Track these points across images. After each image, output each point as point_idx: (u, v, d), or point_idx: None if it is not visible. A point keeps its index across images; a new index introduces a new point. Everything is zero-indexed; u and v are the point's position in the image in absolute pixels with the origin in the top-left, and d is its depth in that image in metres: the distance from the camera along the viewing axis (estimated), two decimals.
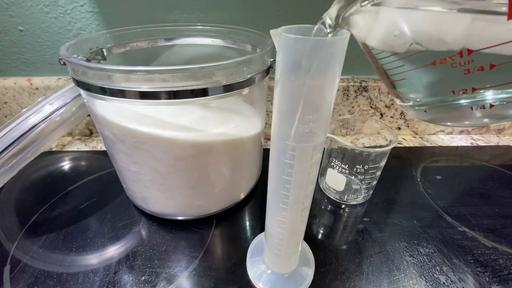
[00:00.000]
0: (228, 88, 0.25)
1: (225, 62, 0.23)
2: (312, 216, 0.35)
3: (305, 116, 0.16)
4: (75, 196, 0.38)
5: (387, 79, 0.19)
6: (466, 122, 0.18)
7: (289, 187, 0.20)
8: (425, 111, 0.19)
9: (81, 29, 0.43)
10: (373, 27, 0.16)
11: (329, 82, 0.16)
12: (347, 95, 0.51)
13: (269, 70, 0.30)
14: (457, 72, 0.15)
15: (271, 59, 0.30)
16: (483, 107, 0.16)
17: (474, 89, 0.15)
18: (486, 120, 0.17)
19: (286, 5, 0.42)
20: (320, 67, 0.14)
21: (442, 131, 0.56)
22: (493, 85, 0.15)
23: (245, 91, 0.27)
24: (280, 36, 0.14)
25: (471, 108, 0.16)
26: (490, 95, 0.15)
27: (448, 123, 0.19)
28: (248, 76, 0.26)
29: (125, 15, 0.42)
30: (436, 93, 0.18)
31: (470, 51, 0.14)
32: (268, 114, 0.51)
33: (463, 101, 0.16)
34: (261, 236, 0.31)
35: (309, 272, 0.28)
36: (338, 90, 0.50)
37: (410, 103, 0.19)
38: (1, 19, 0.42)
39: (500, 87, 0.15)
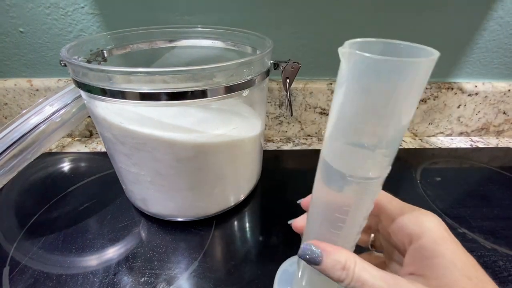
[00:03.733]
0: (228, 90, 0.25)
1: (225, 64, 0.23)
2: None
3: (377, 147, 0.14)
4: (74, 197, 0.38)
5: None
6: None
7: (339, 233, 0.18)
8: None
9: (82, 30, 0.44)
10: None
11: (406, 106, 0.13)
12: None
13: (269, 71, 0.30)
14: None
15: (271, 61, 0.30)
16: None
17: None
18: None
19: (287, 7, 0.42)
20: (400, 91, 0.12)
21: (442, 133, 0.56)
22: None
23: (245, 92, 0.27)
24: (351, 55, 0.12)
25: None
26: None
27: None
28: (248, 77, 0.26)
29: (126, 16, 0.43)
30: None
31: None
32: (268, 116, 0.51)
33: None
34: (285, 265, 0.27)
35: None
36: None
37: None
38: (2, 20, 0.42)
39: None
